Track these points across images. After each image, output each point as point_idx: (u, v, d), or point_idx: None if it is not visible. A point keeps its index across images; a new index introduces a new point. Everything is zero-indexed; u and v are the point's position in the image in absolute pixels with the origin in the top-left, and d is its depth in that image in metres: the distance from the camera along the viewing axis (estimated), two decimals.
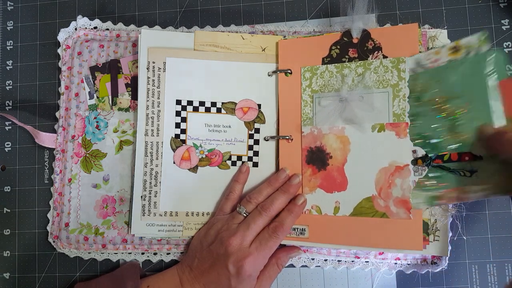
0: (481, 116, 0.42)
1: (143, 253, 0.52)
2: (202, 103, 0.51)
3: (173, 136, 0.51)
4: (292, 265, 0.51)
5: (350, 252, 0.49)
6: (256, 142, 0.51)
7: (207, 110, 0.51)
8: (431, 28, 0.50)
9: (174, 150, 0.51)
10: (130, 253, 0.52)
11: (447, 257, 0.48)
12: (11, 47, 0.57)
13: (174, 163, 0.51)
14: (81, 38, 0.55)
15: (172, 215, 0.51)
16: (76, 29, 0.55)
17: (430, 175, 0.44)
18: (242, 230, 0.45)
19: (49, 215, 0.53)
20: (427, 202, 0.44)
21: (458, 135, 0.43)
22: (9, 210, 0.55)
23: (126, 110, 0.53)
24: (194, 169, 0.51)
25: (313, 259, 0.50)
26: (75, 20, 0.55)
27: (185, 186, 0.51)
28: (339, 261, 0.50)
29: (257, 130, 0.51)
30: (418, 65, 0.45)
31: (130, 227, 0.51)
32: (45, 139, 0.54)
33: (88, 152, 0.53)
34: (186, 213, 0.51)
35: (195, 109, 0.51)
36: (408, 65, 0.45)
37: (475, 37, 0.43)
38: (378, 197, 0.46)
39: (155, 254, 0.52)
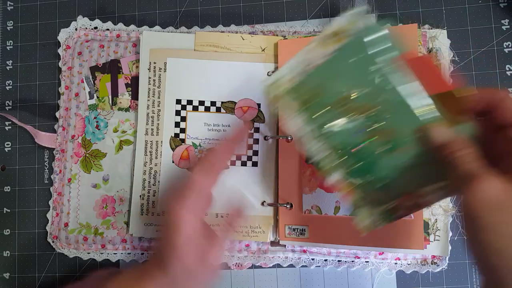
0: (399, 106, 0.32)
1: (142, 253, 0.52)
2: (201, 102, 0.51)
3: (173, 136, 0.51)
4: (292, 265, 0.51)
5: (350, 252, 0.49)
6: (256, 141, 0.51)
7: (207, 109, 0.51)
8: (431, 28, 0.50)
9: (173, 149, 0.51)
10: (129, 253, 0.52)
11: (447, 257, 0.47)
12: (11, 47, 0.57)
13: (173, 162, 0.51)
14: (81, 38, 0.55)
15: None
16: (76, 29, 0.55)
17: (377, 186, 0.35)
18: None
19: (48, 215, 0.53)
20: (384, 218, 0.35)
21: (385, 134, 0.33)
22: (9, 210, 0.55)
23: (126, 110, 0.53)
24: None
25: (313, 259, 0.50)
26: (75, 20, 0.55)
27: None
28: (339, 261, 0.50)
29: (257, 130, 0.51)
30: (307, 64, 0.35)
31: (129, 227, 0.51)
32: (45, 139, 0.54)
33: (88, 152, 0.53)
34: None
35: (195, 109, 0.51)
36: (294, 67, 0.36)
37: (348, 16, 0.33)
38: None
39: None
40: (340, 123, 0.34)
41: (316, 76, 0.35)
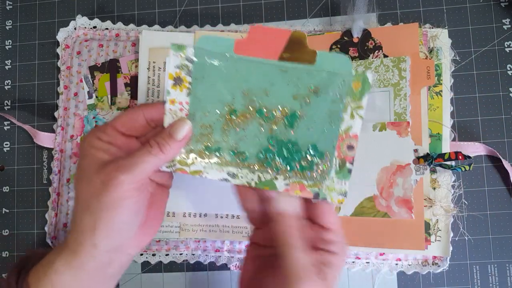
0: (266, 84, 0.32)
1: (141, 254, 0.52)
2: None
3: None
4: None
5: (351, 252, 0.49)
6: None
7: None
8: (432, 28, 0.50)
9: None
10: None
11: (449, 258, 0.47)
12: (10, 46, 0.57)
13: None
14: (80, 38, 0.55)
15: (169, 216, 0.50)
16: (75, 28, 0.55)
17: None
18: None
19: (47, 216, 0.53)
20: (344, 175, 0.33)
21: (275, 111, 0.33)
22: (7, 211, 0.55)
23: (125, 109, 0.53)
24: None
25: None
26: (74, 19, 0.55)
27: (183, 186, 0.51)
28: None
29: None
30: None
31: None
32: (44, 139, 0.54)
33: None
34: (183, 213, 0.50)
35: None
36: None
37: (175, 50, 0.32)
38: (380, 196, 0.45)
39: (153, 255, 0.52)
40: (241, 133, 0.33)
41: (192, 119, 0.33)
